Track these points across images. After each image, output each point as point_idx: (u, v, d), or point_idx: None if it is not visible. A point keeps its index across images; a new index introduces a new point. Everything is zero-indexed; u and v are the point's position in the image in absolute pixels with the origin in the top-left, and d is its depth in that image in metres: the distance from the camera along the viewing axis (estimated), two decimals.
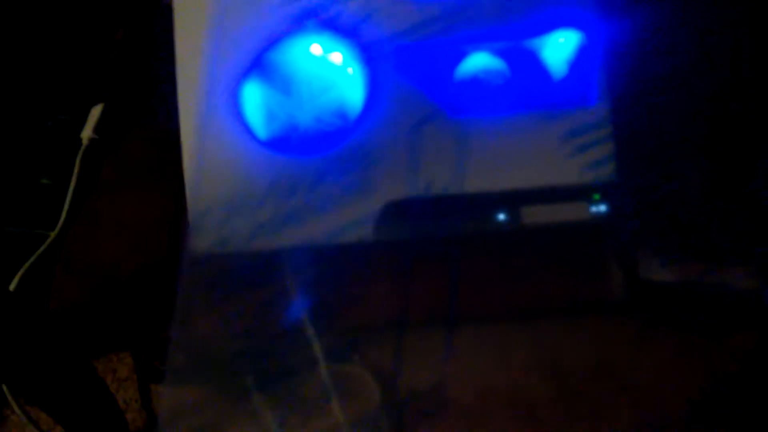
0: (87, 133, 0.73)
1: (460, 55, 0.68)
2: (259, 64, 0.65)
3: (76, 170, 0.71)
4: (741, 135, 0.72)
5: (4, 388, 0.72)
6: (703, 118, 0.72)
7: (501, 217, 0.66)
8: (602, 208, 0.66)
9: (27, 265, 0.69)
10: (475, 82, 0.68)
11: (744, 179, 0.71)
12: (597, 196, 0.66)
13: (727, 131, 0.72)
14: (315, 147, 0.67)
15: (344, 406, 0.79)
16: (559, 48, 0.68)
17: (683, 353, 0.76)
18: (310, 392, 0.91)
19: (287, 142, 0.67)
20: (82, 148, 0.73)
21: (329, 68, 0.68)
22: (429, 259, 0.70)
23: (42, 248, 0.70)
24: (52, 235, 0.70)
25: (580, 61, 0.68)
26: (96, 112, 0.74)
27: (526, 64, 0.68)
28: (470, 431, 0.91)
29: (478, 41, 0.67)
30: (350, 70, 0.66)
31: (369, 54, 0.65)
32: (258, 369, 0.87)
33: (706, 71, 0.72)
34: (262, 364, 0.80)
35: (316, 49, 0.67)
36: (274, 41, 0.64)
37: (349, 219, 0.65)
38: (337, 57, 0.67)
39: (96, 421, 0.78)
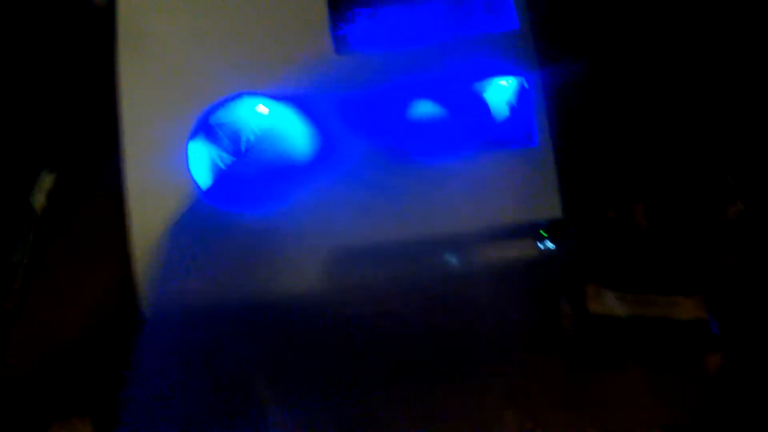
0: (39, 201, 0.73)
1: (404, 103, 0.69)
2: (204, 124, 0.66)
3: (29, 241, 0.71)
4: (684, 169, 0.74)
5: None
6: (645, 152, 0.74)
7: (450, 258, 0.67)
8: (549, 244, 0.67)
9: None
10: (419, 127, 0.69)
11: (690, 211, 0.73)
12: (543, 233, 0.67)
13: (671, 164, 0.74)
14: (264, 201, 0.68)
15: None
16: (500, 90, 0.70)
17: (636, 386, 0.76)
18: None
19: (236, 197, 0.68)
20: (36, 216, 0.73)
21: (277, 121, 0.69)
22: (380, 304, 0.71)
23: None
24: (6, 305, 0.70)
25: (520, 102, 0.69)
26: (48, 178, 0.74)
27: (469, 106, 0.70)
28: None
29: (419, 88, 0.68)
30: (299, 122, 0.68)
31: (312, 109, 0.66)
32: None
33: (646, 108, 0.75)
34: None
35: (262, 108, 0.68)
36: (219, 103, 0.65)
37: (300, 268, 0.65)
38: (283, 110, 0.68)
39: None
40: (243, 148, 0.69)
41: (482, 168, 0.67)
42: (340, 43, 0.69)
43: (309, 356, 0.68)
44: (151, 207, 0.64)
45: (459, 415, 0.79)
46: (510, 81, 0.70)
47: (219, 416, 0.66)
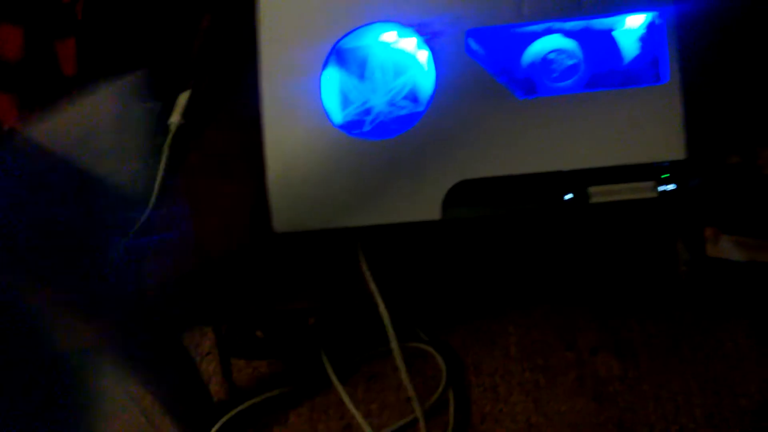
0: (175, 118, 0.77)
1: (532, 37, 0.69)
2: (335, 52, 0.68)
3: (165, 154, 0.76)
4: None
5: None
6: None
7: (569, 196, 0.67)
8: (671, 186, 0.67)
9: (124, 241, 0.74)
10: (546, 62, 0.69)
11: None
12: (666, 175, 0.67)
13: None
14: (388, 129, 0.70)
15: (412, 381, 0.82)
16: (631, 27, 0.69)
17: (753, 335, 0.76)
18: (382, 368, 0.95)
19: (362, 125, 0.70)
20: (171, 133, 0.77)
21: (401, 54, 0.70)
22: (500, 238, 0.73)
23: (135, 228, 0.75)
24: (145, 213, 0.75)
25: (651, 39, 0.68)
26: (183, 98, 0.78)
27: (598, 43, 0.69)
28: (536, 405, 0.93)
29: (549, 21, 0.67)
30: (423, 54, 0.69)
31: (439, 39, 0.66)
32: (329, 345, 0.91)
33: None
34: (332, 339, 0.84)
35: (389, 36, 0.69)
36: (349, 30, 0.67)
37: (422, 198, 0.67)
38: (409, 43, 0.69)
39: (183, 392, 0.83)
40: (369, 75, 0.70)
41: (609, 106, 0.67)
42: None
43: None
44: (283, 128, 0.67)
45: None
46: (643, 17, 0.68)
47: None
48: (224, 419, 0.87)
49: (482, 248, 0.74)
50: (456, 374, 0.96)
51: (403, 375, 0.79)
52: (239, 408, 0.89)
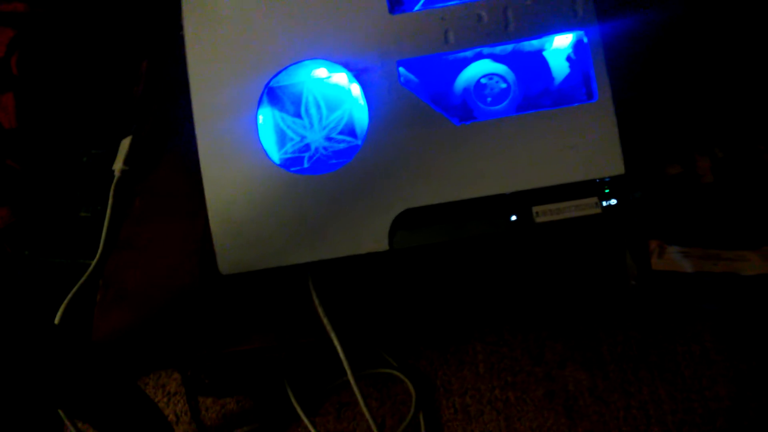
0: (118, 165, 0.78)
1: (464, 63, 0.70)
2: (268, 90, 0.68)
3: (110, 201, 0.76)
4: (748, 121, 0.72)
5: (60, 412, 0.77)
6: (708, 106, 0.73)
7: (513, 218, 0.68)
8: (612, 201, 0.67)
9: (69, 296, 0.74)
10: (479, 86, 0.69)
11: (756, 163, 0.71)
12: (607, 190, 0.67)
13: (733, 118, 0.72)
14: (328, 164, 0.70)
15: (383, 407, 0.82)
16: (559, 48, 0.69)
17: (718, 338, 0.76)
18: (352, 397, 0.95)
19: (302, 161, 0.71)
20: (115, 179, 0.77)
21: (335, 89, 0.71)
22: (459, 258, 0.73)
23: (83, 279, 0.74)
24: (92, 264, 0.75)
25: (579, 58, 0.69)
26: (125, 144, 0.78)
27: (529, 65, 0.70)
28: (508, 423, 0.93)
29: (478, 47, 0.68)
30: (356, 88, 0.69)
31: (370, 72, 0.67)
32: (296, 377, 0.91)
33: (708, 62, 0.73)
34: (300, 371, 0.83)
35: (321, 71, 0.69)
36: (279, 69, 0.67)
37: (368, 230, 0.67)
38: (342, 77, 0.70)
39: None
40: (304, 111, 0.71)
41: (545, 126, 0.67)
42: (393, 2, 0.69)
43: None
44: (222, 170, 0.67)
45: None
46: (570, 37, 0.69)
47: None
48: None
49: (443, 270, 0.75)
50: (426, 397, 0.96)
51: (362, 407, 0.78)
52: None
